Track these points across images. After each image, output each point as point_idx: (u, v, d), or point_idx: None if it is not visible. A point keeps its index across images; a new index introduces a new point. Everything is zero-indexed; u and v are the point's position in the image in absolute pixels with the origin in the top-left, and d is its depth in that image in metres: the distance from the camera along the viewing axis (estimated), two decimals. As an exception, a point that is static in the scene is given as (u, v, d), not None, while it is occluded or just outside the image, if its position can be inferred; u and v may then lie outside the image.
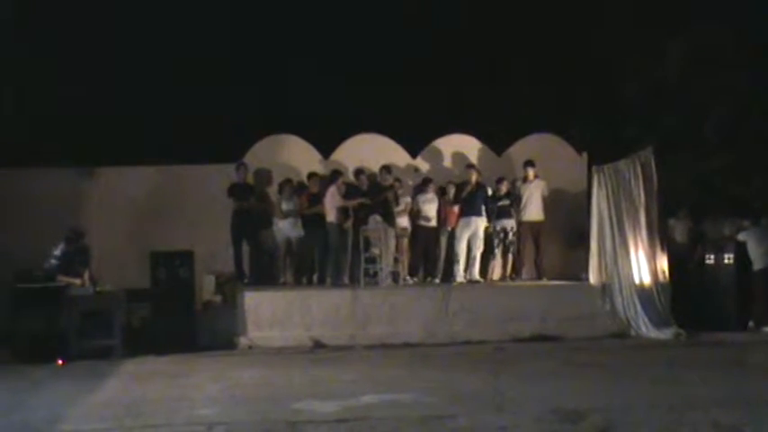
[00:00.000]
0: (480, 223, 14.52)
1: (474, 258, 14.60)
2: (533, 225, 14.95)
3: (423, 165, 15.84)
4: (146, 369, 11.06)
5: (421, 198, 14.89)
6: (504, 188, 14.97)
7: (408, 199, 14.87)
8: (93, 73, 15.99)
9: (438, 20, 17.45)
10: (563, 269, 15.01)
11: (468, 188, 14.56)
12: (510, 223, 14.95)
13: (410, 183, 15.47)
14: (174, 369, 11.00)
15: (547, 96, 16.89)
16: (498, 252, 15.11)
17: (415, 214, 14.86)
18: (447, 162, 15.83)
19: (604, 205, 13.95)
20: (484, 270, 14.97)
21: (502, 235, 14.96)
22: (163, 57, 16.53)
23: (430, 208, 14.83)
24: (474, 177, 14.64)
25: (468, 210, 14.52)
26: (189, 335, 12.52)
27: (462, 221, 14.58)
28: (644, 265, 13.57)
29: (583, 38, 16.99)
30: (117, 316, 12.08)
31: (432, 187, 14.91)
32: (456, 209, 14.78)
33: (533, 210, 14.91)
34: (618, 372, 10.30)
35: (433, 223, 14.85)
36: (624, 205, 13.74)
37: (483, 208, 14.50)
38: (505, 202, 14.90)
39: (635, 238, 13.64)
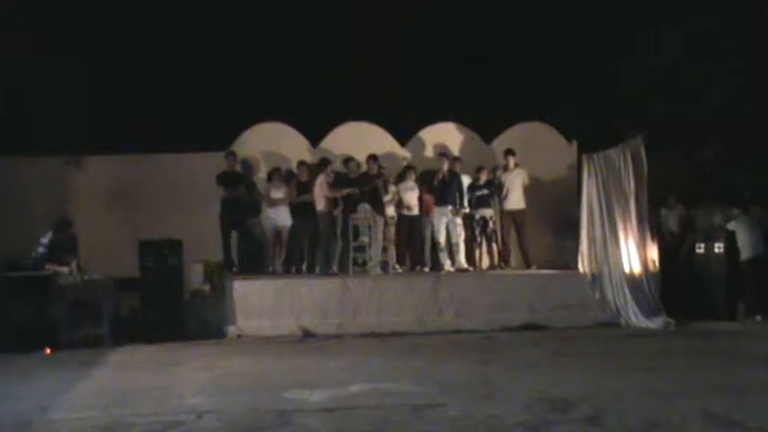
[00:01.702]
0: (455, 210, 14.53)
1: (457, 246, 14.62)
2: (514, 214, 14.98)
3: (411, 153, 15.83)
4: (134, 358, 11.07)
5: (402, 186, 14.87)
6: (483, 177, 14.97)
7: (394, 187, 14.86)
8: (81, 59, 15.88)
9: (427, 8, 17.36)
10: (552, 258, 15.01)
11: (441, 176, 14.56)
12: (489, 212, 14.98)
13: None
14: (163, 358, 11.01)
15: (537, 84, 16.82)
16: (482, 240, 15.12)
17: (397, 203, 14.84)
18: (435, 150, 15.78)
19: (594, 194, 13.98)
20: (472, 259, 15.00)
21: (481, 223, 14.97)
22: (151, 43, 16.42)
23: (411, 196, 14.80)
24: (446, 165, 14.66)
25: (442, 198, 14.56)
26: (178, 324, 12.53)
27: (437, 210, 14.61)
28: (634, 253, 13.59)
29: (573, 23, 16.95)
30: (105, 305, 12.13)
31: (412, 175, 14.87)
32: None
33: (514, 198, 14.95)
34: (607, 361, 10.31)
35: (415, 212, 14.82)
36: (614, 194, 13.76)
37: (457, 196, 14.52)
38: (484, 191, 14.92)
39: (625, 226, 13.66)
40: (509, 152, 15.12)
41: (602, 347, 11.41)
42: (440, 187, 14.59)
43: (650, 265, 13.56)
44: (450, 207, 14.51)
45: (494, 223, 15.04)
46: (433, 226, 14.69)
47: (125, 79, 16.50)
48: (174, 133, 15.55)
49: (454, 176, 14.69)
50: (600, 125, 16.16)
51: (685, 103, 15.84)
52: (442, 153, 15.09)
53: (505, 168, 15.12)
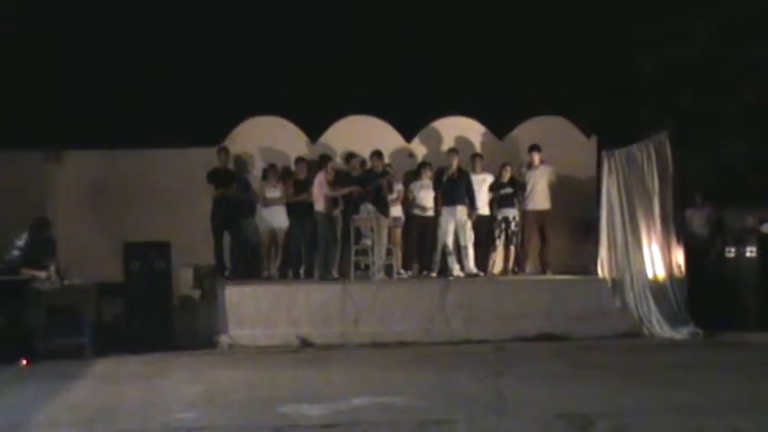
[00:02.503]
0: (464, 212, 14.54)
1: (466, 249, 14.62)
2: (539, 214, 15.01)
3: (418, 149, 15.87)
4: (118, 370, 11.05)
5: (416, 185, 14.89)
6: (507, 174, 15.00)
7: (401, 186, 14.87)
8: (62, 49, 15.82)
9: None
10: (570, 262, 15.00)
11: (449, 173, 14.57)
12: (512, 212, 15.03)
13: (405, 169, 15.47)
14: (149, 370, 11.00)
15: (553, 75, 16.77)
16: (500, 243, 15.15)
17: (409, 203, 14.85)
18: (444, 146, 15.80)
19: (615, 193, 13.96)
20: (484, 263, 15.02)
21: (503, 225, 15.02)
22: (137, 30, 16.36)
23: (426, 196, 14.83)
24: (456, 162, 14.67)
25: (450, 197, 14.56)
26: (165, 333, 12.53)
27: (445, 210, 14.62)
28: (658, 258, 13.58)
29: (594, 10, 16.87)
30: (86, 312, 12.06)
31: (428, 173, 14.90)
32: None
33: (539, 198, 14.98)
34: (629, 374, 10.30)
35: (430, 213, 14.84)
36: (637, 193, 13.75)
37: (467, 196, 14.51)
38: (508, 189, 14.96)
39: (648, 228, 13.65)
40: (534, 148, 15.12)
41: (623, 359, 11.41)
42: (448, 185, 14.58)
43: (676, 271, 13.54)
44: (458, 207, 14.49)
45: (516, 225, 15.09)
46: (440, 227, 14.69)
47: (108, 69, 16.37)
48: (161, 127, 15.38)
49: (463, 174, 14.69)
50: (621, 119, 16.03)
51: (715, 95, 15.79)
52: (452, 149, 15.10)
53: (530, 165, 15.14)
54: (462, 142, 15.64)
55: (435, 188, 14.84)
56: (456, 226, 14.57)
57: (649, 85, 16.24)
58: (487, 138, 15.99)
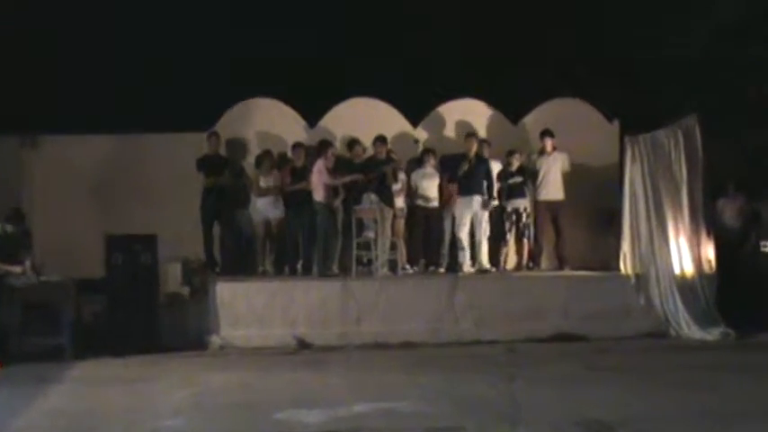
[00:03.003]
0: (481, 202, 14.50)
1: (480, 243, 14.60)
2: (551, 205, 15.01)
3: (424, 134, 15.83)
4: (99, 373, 11.06)
5: (419, 173, 14.88)
6: (516, 162, 14.98)
7: (405, 175, 14.88)
8: (37, 26, 15.83)
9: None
10: (589, 257, 15.00)
11: (468, 161, 14.51)
12: (523, 203, 15.02)
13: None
14: (134, 373, 11.00)
15: (572, 53, 16.74)
16: (511, 237, 15.16)
17: (412, 193, 14.85)
18: (452, 131, 15.81)
19: (639, 182, 13.95)
20: (496, 258, 15.01)
21: (514, 217, 15.02)
22: (119, 5, 16.36)
23: (430, 185, 14.83)
24: (475, 147, 14.61)
25: (468, 187, 14.49)
26: (151, 333, 12.53)
27: (462, 201, 14.56)
28: (686, 252, 13.60)
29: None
30: (65, 310, 12.07)
31: (431, 160, 14.88)
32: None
33: (552, 187, 14.98)
34: (653, 377, 10.29)
35: (434, 203, 14.86)
36: (663, 182, 13.76)
37: (485, 184, 14.49)
38: (517, 178, 14.96)
39: (675, 220, 13.67)
40: (546, 133, 15.07)
41: (647, 362, 11.43)
42: (466, 174, 14.50)
43: (705, 266, 13.57)
44: (476, 197, 14.46)
45: (528, 216, 15.08)
46: (454, 219, 14.67)
47: (89, 47, 16.41)
48: (147, 110, 15.56)
49: (482, 162, 14.63)
50: (646, 101, 16.09)
51: (749, 74, 15.75)
52: (470, 133, 15.03)
53: (542, 152, 15.11)
54: (472, 127, 15.59)
55: (443, 177, 14.83)
56: (472, 218, 14.54)
57: (676, 62, 16.17)
58: (500, 122, 15.98)
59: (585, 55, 16.87)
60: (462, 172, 14.47)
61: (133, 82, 16.21)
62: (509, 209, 14.96)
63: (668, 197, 13.72)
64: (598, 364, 11.18)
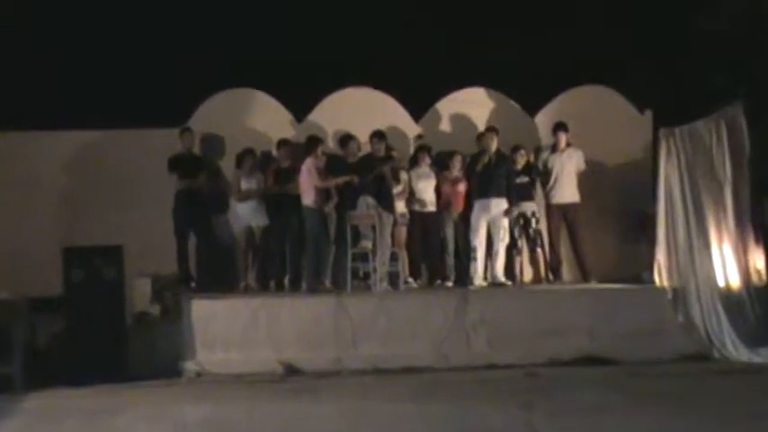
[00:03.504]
0: (502, 206, 14.54)
1: (497, 254, 14.64)
2: (566, 209, 15.12)
3: (429, 129, 15.89)
4: (57, 405, 10.98)
5: (413, 174, 14.96)
6: (521, 160, 15.06)
7: (407, 176, 14.94)
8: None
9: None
10: (618, 268, 15.05)
11: (486, 159, 14.54)
12: (531, 207, 15.11)
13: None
14: (96, 405, 10.94)
15: (598, 35, 16.69)
16: (523, 245, 15.21)
17: (408, 196, 14.92)
18: (461, 125, 15.86)
19: (676, 181, 13.88)
20: (510, 270, 15.04)
21: (522, 222, 15.06)
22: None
23: (425, 187, 14.93)
24: (494, 144, 14.67)
25: (486, 188, 14.54)
26: (116, 358, 12.45)
27: (478, 205, 14.62)
28: (731, 261, 13.55)
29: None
30: (16, 333, 12.05)
31: (426, 158, 14.96)
32: (461, 187, 14.86)
33: (565, 189, 15.08)
34: (696, 406, 10.23)
35: (431, 207, 14.93)
36: (703, 181, 13.70)
37: (505, 186, 14.54)
38: (523, 178, 15.01)
39: (718, 224, 13.61)
40: (559, 127, 15.15)
41: (687, 388, 11.33)
42: (485, 173, 14.55)
43: (754, 277, 13.51)
44: (494, 200, 14.48)
45: (537, 222, 15.13)
46: (456, 225, 14.78)
47: (49, 35, 16.44)
48: (111, 104, 15.60)
49: (502, 160, 14.70)
50: (684, 88, 16.07)
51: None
52: (491, 127, 15.11)
53: (554, 149, 15.18)
54: (482, 120, 15.69)
55: (440, 177, 14.93)
56: (489, 224, 14.57)
57: (719, 44, 16.10)
58: (515, 114, 16.07)
59: (613, 34, 16.74)
60: (480, 168, 14.52)
61: (97, 73, 16.15)
62: (515, 213, 14.90)
63: (710, 198, 13.66)
64: (630, 390, 11.08)
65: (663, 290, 13.80)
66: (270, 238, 14.63)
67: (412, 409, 10.25)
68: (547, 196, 15.20)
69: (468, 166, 14.90)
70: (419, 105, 15.97)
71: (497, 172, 14.53)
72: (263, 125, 15.45)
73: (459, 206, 14.94)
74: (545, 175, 15.15)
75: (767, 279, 13.54)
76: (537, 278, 15.33)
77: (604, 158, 15.43)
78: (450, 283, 14.78)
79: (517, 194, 14.86)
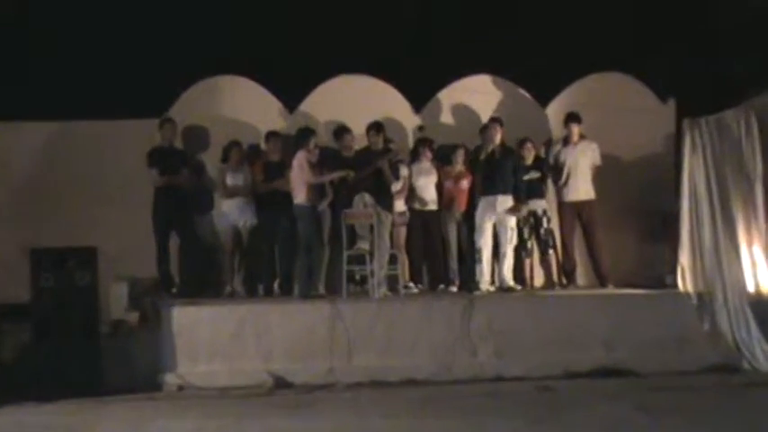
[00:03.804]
0: (508, 204, 14.55)
1: (504, 256, 14.64)
2: (580, 207, 15.16)
3: (430, 120, 15.94)
4: (23, 422, 10.92)
5: (413, 169, 15.02)
6: (530, 154, 15.13)
7: (406, 171, 14.98)
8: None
9: None
10: (638, 271, 15.16)
11: (490, 151, 14.56)
12: (541, 205, 15.21)
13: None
14: (68, 421, 10.90)
15: (615, 17, 16.64)
16: (533, 246, 15.28)
17: (408, 194, 14.99)
18: (465, 117, 15.88)
19: (701, 176, 13.92)
20: (520, 273, 15.11)
21: (532, 221, 15.13)
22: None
23: (426, 184, 15.02)
24: (499, 136, 14.67)
25: (491, 184, 14.53)
26: (90, 371, 12.39)
27: (483, 202, 14.61)
28: (762, 264, 13.58)
29: None
30: (-21, 344, 12.08)
31: (427, 153, 15.03)
32: (465, 184, 14.95)
33: (579, 185, 15.14)
34: (725, 422, 10.19)
35: (432, 206, 15.03)
36: (732, 176, 13.72)
37: (513, 182, 14.56)
38: (533, 174, 15.06)
39: (748, 224, 13.64)
40: (571, 118, 15.17)
41: (716, 402, 11.32)
42: (489, 168, 14.56)
43: (787, 282, 13.58)
44: (500, 198, 14.48)
45: (549, 221, 15.16)
46: (460, 226, 14.86)
47: (16, 16, 16.33)
48: (86, 91, 15.42)
49: (508, 153, 14.73)
50: (709, 75, 16.03)
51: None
52: (495, 118, 15.13)
53: (566, 141, 15.22)
54: (488, 110, 15.70)
55: (471, 172, 14.93)
56: (496, 223, 14.56)
57: (748, 26, 16.07)
58: (524, 104, 16.11)
59: (632, 14, 16.81)
60: (483, 164, 14.53)
61: (65, 57, 16.08)
62: (523, 212, 14.91)
63: (738, 195, 13.68)
64: (652, 405, 11.02)
65: (687, 295, 13.85)
66: (258, 238, 14.69)
67: (412, 426, 10.28)
68: (559, 193, 15.26)
69: (471, 161, 14.96)
70: (420, 94, 16.00)
71: (503, 166, 14.53)
72: (250, 115, 15.47)
73: (462, 204, 15.00)
74: (557, 170, 15.18)
75: (802, 284, 13.58)
76: (549, 282, 15.33)
77: (622, 152, 15.49)
78: (453, 288, 14.81)
79: (526, 191, 14.87)
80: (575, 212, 15.12)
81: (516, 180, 14.56)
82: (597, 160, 15.07)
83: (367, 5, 16.61)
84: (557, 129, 15.69)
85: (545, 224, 15.12)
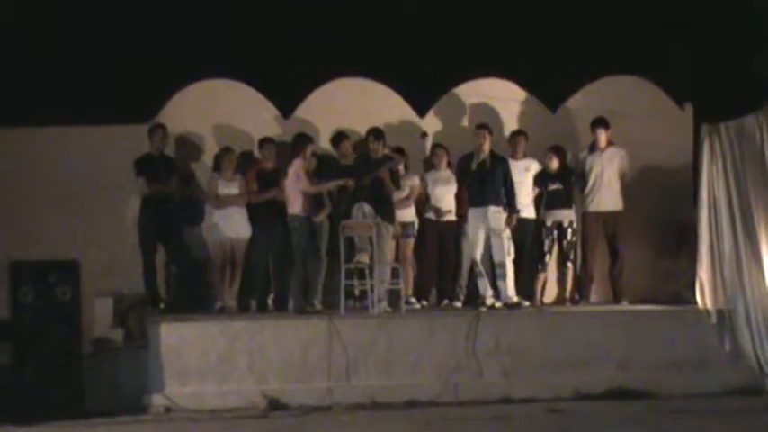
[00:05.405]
0: (499, 215, 14.44)
1: (503, 268, 14.53)
2: (607, 218, 15.13)
3: (435, 126, 15.87)
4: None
5: (429, 178, 14.97)
6: (555, 163, 15.07)
7: (416, 180, 14.94)
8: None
9: None
10: (654, 287, 15.17)
11: (480, 160, 14.50)
12: (568, 215, 15.11)
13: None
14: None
15: (630, 18, 16.55)
16: (551, 260, 15.24)
17: (421, 203, 14.95)
18: (470, 122, 15.67)
19: (721, 186, 13.88)
20: (530, 288, 15.06)
21: (555, 233, 15.06)
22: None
23: (444, 193, 14.99)
24: (487, 143, 14.58)
25: (480, 195, 14.52)
26: (71, 391, 12.29)
27: (472, 213, 14.59)
28: (786, 279, 13.58)
29: None
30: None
31: (443, 160, 14.97)
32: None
33: (607, 194, 15.11)
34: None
35: (450, 217, 15.00)
36: (753, 185, 13.65)
37: (503, 191, 14.47)
38: (558, 185, 15.04)
39: (772, 237, 13.66)
40: (599, 123, 15.17)
41: (736, 427, 11.22)
42: (476, 178, 14.50)
43: (814, 298, 13.55)
44: (491, 209, 14.39)
45: (573, 234, 15.13)
46: (465, 237, 14.71)
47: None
48: (69, 96, 15.37)
49: (498, 162, 14.62)
50: (730, 79, 15.92)
51: None
52: (481, 124, 14.97)
53: (593, 148, 15.19)
54: (496, 116, 15.68)
55: (459, 181, 14.88)
56: (487, 235, 14.47)
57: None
58: (533, 109, 16.02)
59: (648, 16, 16.71)
60: (472, 174, 14.51)
61: (48, 61, 16.13)
62: (549, 223, 15.03)
63: (760, 204, 13.60)
64: (669, 430, 11.06)
65: (706, 312, 13.81)
66: (251, 251, 14.63)
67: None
68: (584, 202, 15.19)
69: (459, 170, 14.89)
70: (424, 98, 15.91)
71: (492, 175, 14.46)
72: (243, 121, 15.42)
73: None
74: (581, 178, 15.12)
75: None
76: (560, 298, 15.35)
77: (637, 160, 15.35)
78: (458, 304, 14.74)
79: (551, 202, 14.98)
80: (600, 224, 15.09)
81: (507, 189, 14.50)
82: (626, 168, 15.06)
83: (367, 5, 16.52)
84: (561, 133, 15.63)
85: (569, 236, 15.06)
